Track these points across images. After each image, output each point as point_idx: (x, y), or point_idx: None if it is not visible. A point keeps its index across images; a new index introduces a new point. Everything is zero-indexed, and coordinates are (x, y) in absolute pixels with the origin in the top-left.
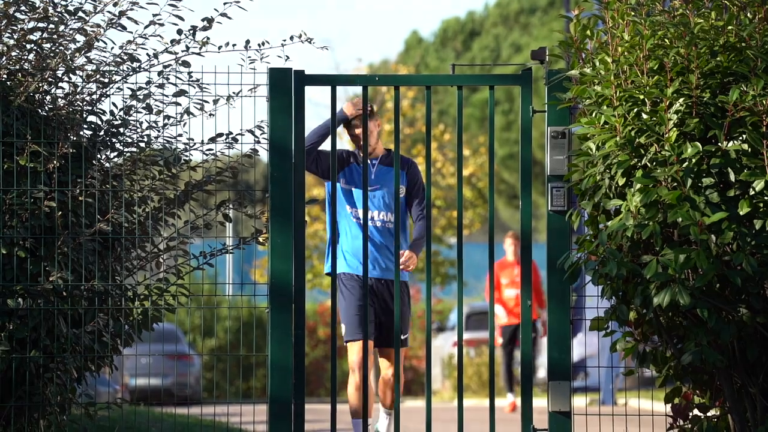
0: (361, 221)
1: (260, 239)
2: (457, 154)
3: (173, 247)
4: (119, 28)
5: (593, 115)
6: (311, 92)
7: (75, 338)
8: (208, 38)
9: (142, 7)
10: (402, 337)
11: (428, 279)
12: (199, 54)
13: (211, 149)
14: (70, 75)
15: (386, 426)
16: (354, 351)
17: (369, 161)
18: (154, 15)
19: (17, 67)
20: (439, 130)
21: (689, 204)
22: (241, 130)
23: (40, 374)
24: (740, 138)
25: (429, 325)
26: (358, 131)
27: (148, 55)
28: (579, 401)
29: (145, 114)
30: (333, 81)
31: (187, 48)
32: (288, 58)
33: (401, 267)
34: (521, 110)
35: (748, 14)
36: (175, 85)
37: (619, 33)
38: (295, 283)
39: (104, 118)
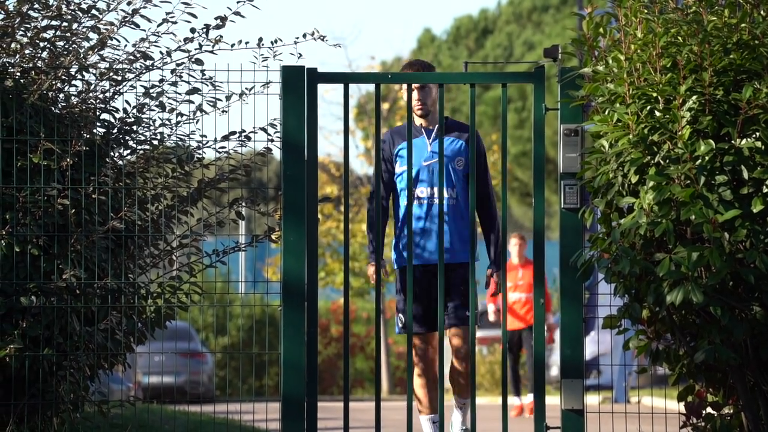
0: (423, 201)
1: (273, 237)
2: (471, 151)
3: (186, 245)
4: (132, 26)
5: (606, 112)
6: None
7: (88, 336)
8: (221, 36)
9: (155, 5)
10: (463, 315)
11: (440, 279)
12: (212, 52)
13: (224, 147)
14: (84, 73)
15: (459, 424)
16: (415, 343)
17: (424, 131)
18: (168, 13)
19: (31, 65)
20: None
21: (702, 202)
22: (254, 127)
23: (53, 372)
24: (753, 135)
25: (441, 324)
26: (415, 98)
27: (161, 53)
28: (592, 399)
29: (158, 112)
30: (346, 78)
31: (200, 46)
32: (301, 55)
33: (491, 293)
34: (534, 108)
35: (761, 12)
36: (188, 83)
37: (632, 30)
38: (307, 281)
39: (117, 115)
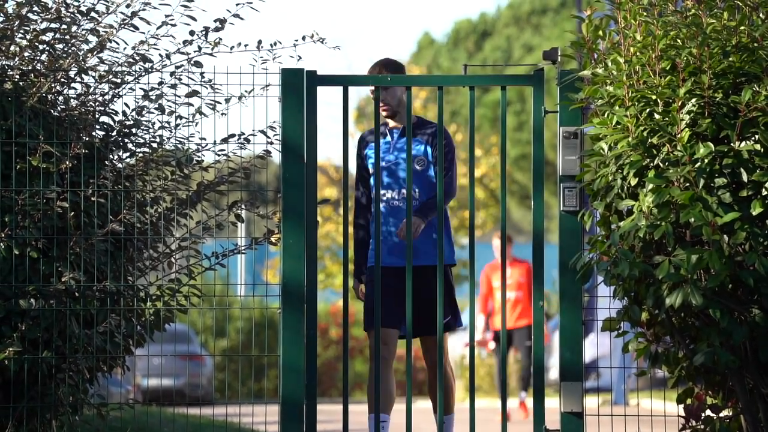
0: (389, 204)
1: (272, 239)
2: (469, 154)
3: (185, 248)
4: (131, 28)
5: (605, 115)
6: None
7: (87, 339)
8: (221, 39)
9: (154, 8)
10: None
11: (440, 281)
12: (211, 54)
13: (224, 150)
14: (83, 75)
15: None
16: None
17: (389, 132)
18: (167, 16)
19: (30, 67)
20: (452, 130)
21: (702, 204)
22: (253, 130)
23: (52, 375)
24: (753, 138)
25: (441, 325)
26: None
27: (160, 55)
28: (591, 402)
29: (158, 114)
30: (345, 81)
31: (200, 48)
32: (300, 58)
33: (401, 235)
34: (533, 111)
35: (761, 15)
36: (188, 85)
37: (632, 33)
38: (307, 284)
39: (116, 118)
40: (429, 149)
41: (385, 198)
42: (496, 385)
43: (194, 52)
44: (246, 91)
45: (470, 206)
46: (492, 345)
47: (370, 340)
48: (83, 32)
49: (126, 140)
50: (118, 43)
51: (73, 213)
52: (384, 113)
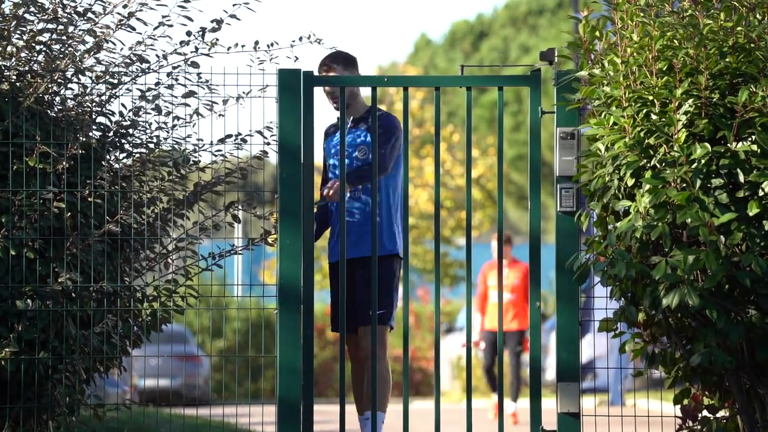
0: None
1: (269, 240)
2: (467, 155)
3: (182, 248)
4: (128, 29)
5: (602, 116)
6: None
7: (84, 339)
8: (218, 39)
9: (151, 9)
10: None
11: (437, 280)
12: (208, 55)
13: (220, 150)
14: (80, 76)
15: None
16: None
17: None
18: (164, 16)
19: (27, 68)
20: (448, 131)
21: (698, 205)
22: (250, 131)
23: (49, 375)
24: (749, 139)
25: (438, 326)
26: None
27: (157, 56)
28: (588, 402)
29: (155, 115)
30: (342, 82)
31: (196, 49)
32: (297, 59)
33: (329, 195)
34: (530, 111)
35: (758, 15)
36: (185, 86)
37: (628, 34)
38: (304, 284)
39: (113, 119)
40: (370, 137)
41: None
42: (486, 383)
43: (191, 52)
44: (243, 92)
45: (467, 207)
46: (482, 345)
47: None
48: (80, 33)
49: (123, 141)
50: (114, 44)
51: (69, 213)
52: (333, 105)
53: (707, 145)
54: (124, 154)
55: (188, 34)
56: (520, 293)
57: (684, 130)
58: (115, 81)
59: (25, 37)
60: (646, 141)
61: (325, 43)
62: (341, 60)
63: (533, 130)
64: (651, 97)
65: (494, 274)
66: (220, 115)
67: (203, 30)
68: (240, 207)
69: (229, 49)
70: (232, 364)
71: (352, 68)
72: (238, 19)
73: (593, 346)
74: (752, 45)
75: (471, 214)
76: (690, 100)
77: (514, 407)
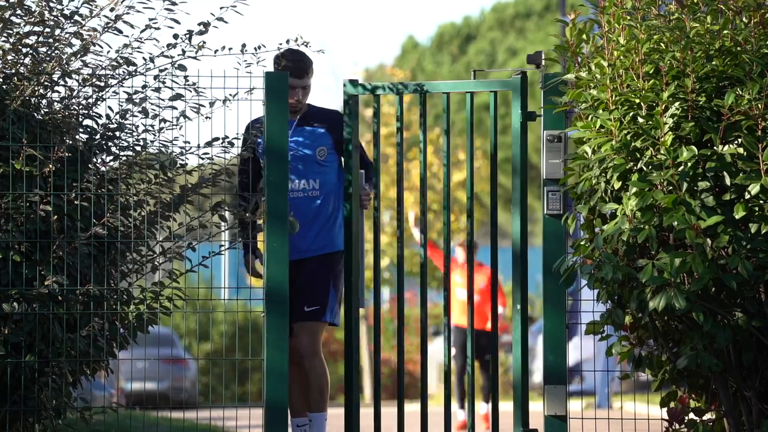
0: (290, 195)
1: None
2: (468, 158)
3: (169, 251)
4: (115, 31)
5: (589, 118)
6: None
7: (70, 342)
8: (205, 42)
9: (138, 11)
10: (306, 309)
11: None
12: (195, 58)
13: (208, 153)
14: (66, 79)
15: None
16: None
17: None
18: (151, 19)
19: (13, 71)
20: (435, 134)
21: (685, 208)
22: (237, 134)
23: (35, 379)
24: (736, 142)
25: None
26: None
27: (144, 58)
28: (575, 405)
29: (141, 118)
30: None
31: (184, 52)
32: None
33: (365, 201)
34: (513, 115)
35: (744, 18)
36: (172, 89)
37: (615, 37)
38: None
39: (100, 121)
40: (330, 137)
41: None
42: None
43: (178, 55)
44: (230, 95)
45: (468, 211)
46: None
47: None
48: (67, 36)
49: (110, 143)
50: (101, 47)
51: (56, 216)
52: (294, 106)
53: (694, 148)
54: (111, 157)
55: (175, 37)
56: (484, 296)
57: (670, 133)
58: (102, 84)
59: (11, 40)
60: (633, 144)
61: (312, 47)
62: (309, 65)
63: (516, 136)
64: (638, 100)
65: (458, 271)
66: (207, 117)
67: (190, 33)
68: (227, 209)
69: (216, 52)
70: (219, 367)
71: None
72: (226, 22)
73: (580, 349)
74: (738, 48)
75: (473, 219)
76: (676, 103)
77: (486, 408)
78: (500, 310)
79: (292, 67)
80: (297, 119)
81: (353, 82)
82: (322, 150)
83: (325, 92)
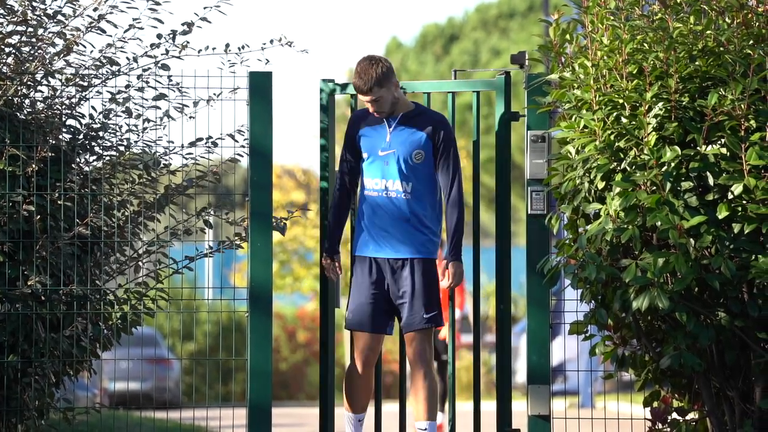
0: (374, 193)
1: (239, 243)
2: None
3: (153, 251)
4: (98, 31)
5: (573, 119)
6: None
7: (53, 342)
8: (188, 42)
9: (121, 11)
10: (425, 316)
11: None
12: (179, 57)
13: (191, 153)
14: (49, 78)
15: None
16: (358, 341)
17: (385, 118)
18: (134, 19)
19: None
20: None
21: (668, 208)
22: (221, 134)
23: (18, 379)
24: (719, 142)
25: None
26: (367, 104)
27: (127, 58)
28: (558, 405)
29: (125, 118)
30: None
31: (167, 51)
32: (268, 61)
33: (447, 286)
34: (497, 115)
35: (726, 19)
36: (155, 88)
37: (599, 37)
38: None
39: (83, 121)
40: (430, 142)
41: (377, 188)
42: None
43: (162, 55)
44: (214, 95)
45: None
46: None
47: (353, 338)
48: (50, 35)
49: (93, 143)
50: (84, 46)
51: (39, 216)
52: (378, 115)
53: (677, 148)
54: (94, 157)
55: (159, 36)
56: (446, 295)
57: (654, 133)
58: (85, 83)
59: None
60: (617, 144)
61: (296, 46)
62: (377, 81)
63: (499, 136)
64: (621, 101)
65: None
66: (190, 117)
67: (174, 33)
68: (212, 212)
69: (199, 51)
70: (202, 367)
71: (388, 81)
72: (209, 21)
73: (564, 348)
74: (721, 48)
75: (479, 219)
76: (660, 104)
77: (441, 416)
78: (457, 313)
79: (356, 85)
80: (399, 116)
81: (328, 81)
82: (419, 153)
83: (306, 92)
